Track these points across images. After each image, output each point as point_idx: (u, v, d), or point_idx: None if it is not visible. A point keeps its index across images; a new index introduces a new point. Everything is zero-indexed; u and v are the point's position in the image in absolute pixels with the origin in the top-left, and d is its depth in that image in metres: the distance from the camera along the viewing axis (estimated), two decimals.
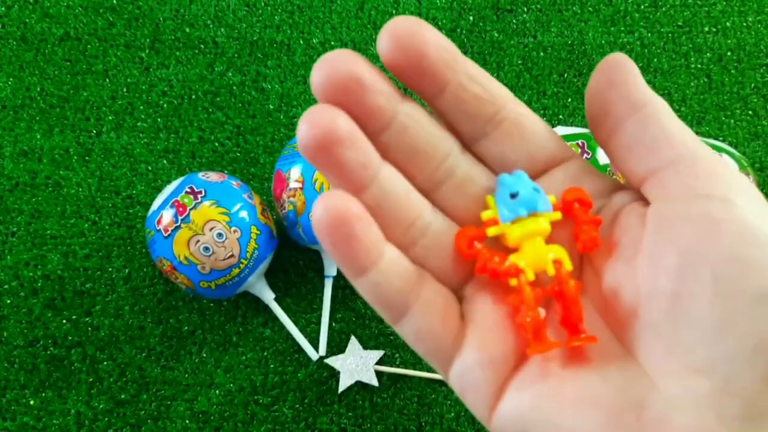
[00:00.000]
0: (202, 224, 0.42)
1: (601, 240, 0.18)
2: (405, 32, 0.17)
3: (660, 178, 0.18)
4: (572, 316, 0.18)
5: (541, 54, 0.55)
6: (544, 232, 0.19)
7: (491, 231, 0.19)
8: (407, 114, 0.18)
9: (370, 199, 0.18)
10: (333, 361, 0.46)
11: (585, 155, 0.45)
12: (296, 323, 0.47)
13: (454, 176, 0.19)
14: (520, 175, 0.19)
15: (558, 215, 0.19)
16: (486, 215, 0.19)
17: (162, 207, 0.43)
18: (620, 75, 0.18)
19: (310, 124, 0.17)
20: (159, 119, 0.52)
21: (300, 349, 0.47)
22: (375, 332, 0.47)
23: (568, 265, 0.19)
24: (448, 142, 0.19)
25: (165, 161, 0.51)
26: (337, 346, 0.47)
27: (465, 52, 0.55)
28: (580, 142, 0.45)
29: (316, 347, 0.47)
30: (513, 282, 0.19)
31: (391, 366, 0.46)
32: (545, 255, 0.18)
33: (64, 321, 0.47)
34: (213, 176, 0.45)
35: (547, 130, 0.20)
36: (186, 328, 0.47)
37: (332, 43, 0.55)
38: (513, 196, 0.18)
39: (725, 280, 0.16)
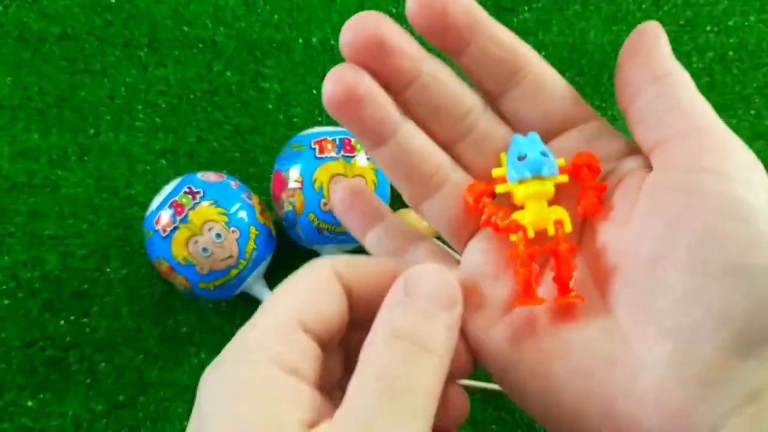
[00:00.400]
0: (201, 224, 0.41)
1: (602, 206, 0.19)
2: None
3: (666, 147, 0.18)
4: (563, 276, 0.19)
5: (542, 53, 0.54)
6: (548, 194, 0.20)
7: (499, 188, 0.20)
8: (429, 73, 0.19)
9: (390, 152, 0.19)
10: None
11: None
12: None
13: (473, 132, 0.20)
14: (533, 137, 0.20)
15: (564, 178, 0.20)
16: (496, 172, 0.20)
17: (160, 207, 0.43)
18: (645, 44, 0.19)
19: (334, 82, 0.18)
20: (157, 119, 0.52)
21: None
22: None
23: (567, 227, 0.20)
24: (470, 100, 0.20)
25: (163, 161, 0.51)
26: None
27: None
28: None
29: None
30: (513, 237, 0.20)
31: None
32: (547, 215, 0.19)
33: (62, 322, 0.47)
34: (211, 176, 0.44)
35: (566, 91, 0.20)
36: (184, 329, 0.47)
37: (332, 42, 0.55)
38: (521, 158, 0.19)
39: (699, 251, 0.16)
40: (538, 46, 0.55)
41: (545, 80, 0.20)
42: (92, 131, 0.51)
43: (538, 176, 0.19)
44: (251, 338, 0.17)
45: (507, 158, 0.20)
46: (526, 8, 0.56)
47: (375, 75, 0.19)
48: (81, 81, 0.53)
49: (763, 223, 0.16)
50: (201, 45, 0.54)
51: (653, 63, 0.19)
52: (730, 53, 0.55)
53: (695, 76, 0.56)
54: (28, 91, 0.52)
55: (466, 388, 0.44)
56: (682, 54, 0.55)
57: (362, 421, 0.15)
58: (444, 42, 0.19)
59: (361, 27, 0.18)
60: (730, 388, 0.16)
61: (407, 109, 0.20)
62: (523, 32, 0.55)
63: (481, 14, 0.19)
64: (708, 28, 0.55)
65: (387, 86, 0.19)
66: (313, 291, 0.18)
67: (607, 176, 0.20)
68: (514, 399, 0.20)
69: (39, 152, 0.51)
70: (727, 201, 0.16)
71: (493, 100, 0.21)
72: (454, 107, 0.20)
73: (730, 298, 0.16)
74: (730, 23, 0.55)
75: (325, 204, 0.43)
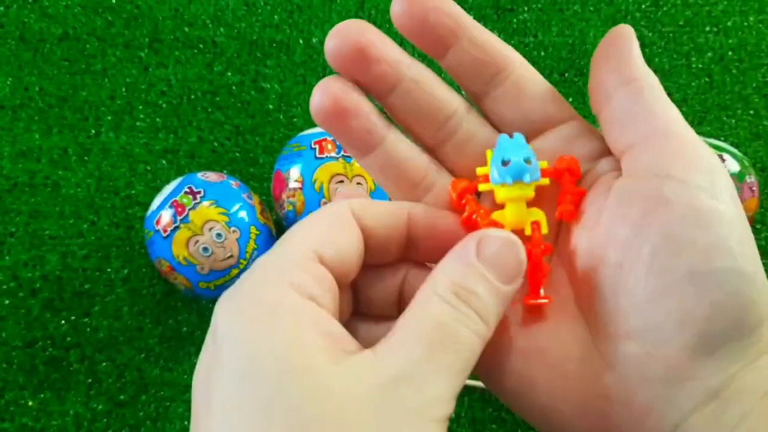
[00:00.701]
0: (201, 224, 0.41)
1: (578, 211, 0.20)
2: (411, 0, 0.19)
3: (633, 153, 0.19)
4: (534, 278, 0.20)
5: (542, 53, 0.55)
6: (527, 197, 0.20)
7: (482, 187, 0.20)
8: (412, 79, 0.20)
9: (378, 160, 0.20)
10: None
11: None
12: None
13: (456, 135, 0.21)
14: (519, 139, 0.20)
15: (546, 181, 0.20)
16: (481, 171, 0.21)
17: (161, 207, 0.43)
18: (615, 49, 0.19)
19: (321, 94, 0.19)
20: (158, 119, 0.52)
21: None
22: None
23: (544, 229, 0.20)
24: (453, 104, 0.21)
25: (164, 161, 0.51)
26: None
27: None
28: None
29: None
30: None
31: None
32: (525, 216, 0.20)
33: (63, 322, 0.47)
34: (212, 176, 0.45)
35: (546, 93, 0.21)
36: (185, 329, 0.47)
37: None
38: (505, 162, 0.20)
39: (661, 257, 0.17)
40: (538, 47, 0.55)
41: (526, 82, 0.21)
42: (93, 131, 0.51)
43: (519, 181, 0.20)
44: (268, 265, 0.17)
45: (492, 158, 0.20)
46: (526, 8, 0.56)
47: (359, 82, 0.20)
48: (82, 81, 0.53)
49: (723, 230, 0.17)
50: (201, 45, 0.54)
51: (623, 68, 0.19)
52: (729, 53, 0.55)
53: (694, 76, 0.57)
54: (29, 92, 0.52)
55: (467, 387, 0.44)
56: (681, 54, 0.55)
57: (404, 362, 0.16)
58: (427, 45, 0.20)
59: (344, 35, 0.19)
60: (691, 387, 0.17)
61: (392, 113, 0.21)
62: (522, 32, 0.55)
63: (464, 18, 0.20)
64: (707, 28, 0.56)
65: (371, 91, 0.20)
66: (330, 226, 0.18)
67: (583, 177, 0.21)
68: (495, 393, 0.21)
69: (40, 152, 0.51)
70: (687, 208, 0.17)
71: (476, 101, 0.21)
72: (438, 111, 0.21)
73: (690, 303, 0.17)
74: (729, 23, 0.56)
75: (326, 204, 0.43)
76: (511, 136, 0.20)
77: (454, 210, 0.21)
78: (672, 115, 0.19)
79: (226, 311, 0.16)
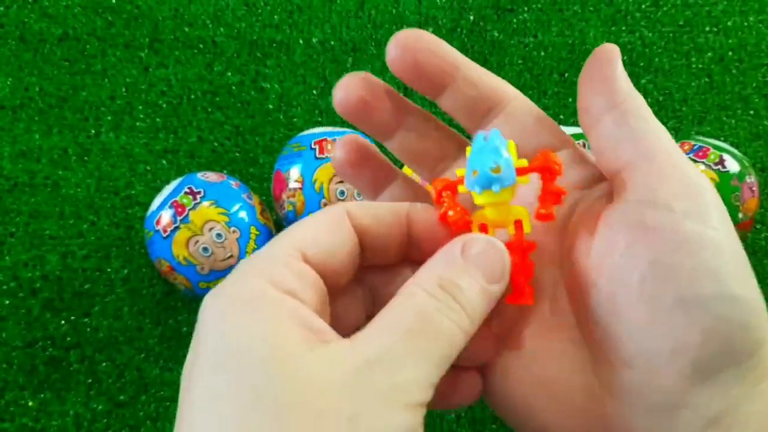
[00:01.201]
0: (201, 224, 0.41)
1: (554, 215, 0.20)
2: (404, 46, 0.20)
3: (621, 178, 0.19)
4: (516, 278, 0.19)
5: (542, 53, 0.55)
6: (504, 202, 0.20)
7: (461, 188, 0.20)
8: (409, 126, 0.22)
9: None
10: None
11: None
12: None
13: (448, 172, 0.22)
14: (492, 140, 0.19)
15: (526, 180, 0.20)
16: (460, 172, 0.21)
17: (161, 207, 0.43)
18: (601, 71, 0.19)
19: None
20: (158, 119, 0.52)
21: None
22: None
23: (527, 228, 0.20)
24: (444, 148, 0.22)
25: (164, 161, 0.51)
26: None
27: (465, 52, 0.55)
28: (581, 142, 0.45)
29: None
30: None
31: None
32: (507, 215, 0.20)
33: (63, 322, 0.47)
34: (212, 176, 0.45)
35: (539, 121, 0.21)
36: (185, 329, 0.47)
37: (332, 42, 0.55)
38: (474, 171, 0.19)
39: (649, 285, 0.17)
40: (538, 47, 0.55)
41: (519, 113, 0.21)
42: (93, 131, 0.51)
43: (489, 189, 0.20)
44: (250, 263, 0.18)
45: (468, 161, 0.20)
46: (526, 8, 0.56)
47: (362, 127, 0.22)
48: (82, 81, 0.53)
49: (710, 254, 0.17)
50: (201, 45, 0.54)
51: (608, 91, 0.19)
52: (729, 53, 0.55)
53: (694, 76, 0.57)
54: (29, 92, 0.52)
55: None
56: (681, 54, 0.55)
57: (379, 347, 0.16)
58: (423, 87, 0.21)
59: (349, 88, 0.21)
60: (690, 415, 0.17)
61: (393, 152, 0.23)
62: (522, 32, 0.55)
63: (457, 57, 0.21)
64: (707, 28, 0.56)
65: (374, 135, 0.22)
66: (318, 226, 0.19)
67: (576, 204, 0.21)
68: (498, 415, 0.21)
69: (40, 152, 0.51)
70: (672, 235, 0.17)
71: (472, 134, 0.22)
72: (429, 155, 0.22)
73: (681, 329, 0.17)
74: (729, 24, 0.56)
75: (326, 204, 0.43)
76: (486, 133, 0.20)
77: (437, 206, 0.21)
78: (658, 137, 0.18)
79: (208, 308, 0.17)
